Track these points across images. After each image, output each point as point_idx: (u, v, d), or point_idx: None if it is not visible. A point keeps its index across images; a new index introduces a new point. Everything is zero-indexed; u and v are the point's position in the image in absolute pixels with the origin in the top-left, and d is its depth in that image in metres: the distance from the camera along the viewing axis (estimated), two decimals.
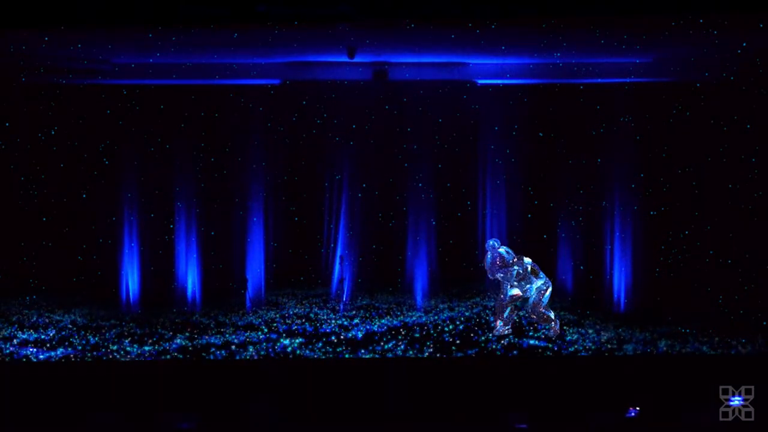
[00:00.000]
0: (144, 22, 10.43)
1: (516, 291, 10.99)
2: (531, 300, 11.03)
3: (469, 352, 10.57)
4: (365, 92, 12.50)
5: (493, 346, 10.71)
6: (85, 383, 10.57)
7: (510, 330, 11.05)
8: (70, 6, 10.06)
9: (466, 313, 11.87)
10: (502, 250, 11.04)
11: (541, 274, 10.94)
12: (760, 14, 10.39)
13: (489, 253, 11.04)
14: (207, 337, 11.14)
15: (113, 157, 12.46)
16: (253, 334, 11.33)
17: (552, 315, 11.06)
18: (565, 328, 11.30)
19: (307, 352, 10.84)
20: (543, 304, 11.02)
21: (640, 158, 12.41)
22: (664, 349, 10.65)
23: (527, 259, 10.97)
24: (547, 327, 11.16)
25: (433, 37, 11.03)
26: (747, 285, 11.89)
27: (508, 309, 11.09)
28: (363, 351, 10.84)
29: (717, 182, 12.14)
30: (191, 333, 11.22)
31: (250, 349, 10.99)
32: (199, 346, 11.04)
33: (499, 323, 11.05)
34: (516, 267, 10.93)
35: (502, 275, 10.97)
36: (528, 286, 10.96)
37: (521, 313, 11.17)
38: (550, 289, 11.02)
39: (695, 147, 12.20)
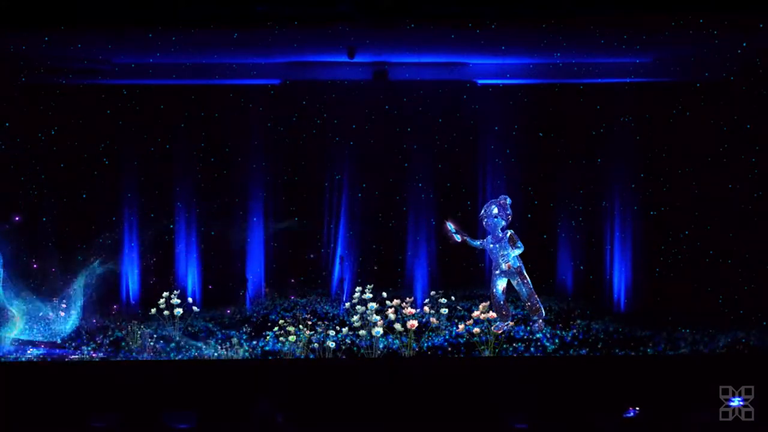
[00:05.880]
0: (144, 22, 10.44)
1: (501, 283, 11.16)
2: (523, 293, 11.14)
3: (474, 352, 10.56)
4: (365, 92, 12.50)
5: (499, 345, 10.69)
6: (84, 383, 10.55)
7: (510, 323, 11.15)
8: (70, 6, 10.07)
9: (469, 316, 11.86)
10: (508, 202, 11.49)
11: (518, 246, 11.21)
12: (760, 14, 10.39)
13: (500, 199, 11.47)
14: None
15: (113, 157, 12.46)
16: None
17: (543, 311, 11.15)
18: (563, 327, 11.29)
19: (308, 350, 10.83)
20: (524, 295, 11.22)
21: (640, 158, 12.43)
22: (664, 349, 10.64)
23: (510, 231, 11.27)
24: (534, 319, 11.18)
25: (433, 37, 11.03)
26: (747, 285, 11.89)
27: (504, 303, 11.19)
28: (362, 351, 10.83)
29: (717, 182, 12.14)
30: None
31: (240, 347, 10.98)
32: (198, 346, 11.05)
33: (499, 323, 11.07)
34: (504, 223, 11.30)
35: (493, 219, 11.33)
36: (504, 252, 11.18)
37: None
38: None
39: (695, 147, 12.20)
